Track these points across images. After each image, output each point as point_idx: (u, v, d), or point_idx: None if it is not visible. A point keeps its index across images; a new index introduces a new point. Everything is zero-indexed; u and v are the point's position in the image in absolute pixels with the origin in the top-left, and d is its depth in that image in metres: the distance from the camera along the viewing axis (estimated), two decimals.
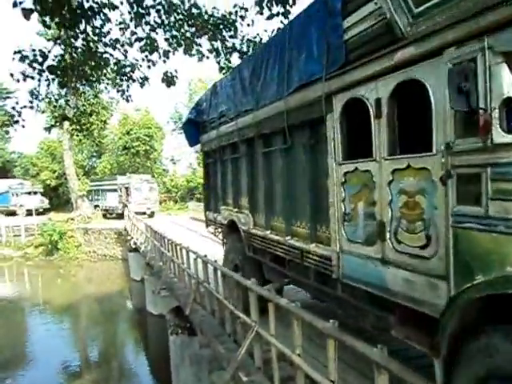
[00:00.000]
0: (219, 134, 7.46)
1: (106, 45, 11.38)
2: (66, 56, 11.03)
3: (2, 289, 24.55)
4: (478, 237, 2.61)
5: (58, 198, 44.50)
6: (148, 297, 15.56)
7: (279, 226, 5.59)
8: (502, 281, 2.42)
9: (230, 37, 12.04)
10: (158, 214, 34.21)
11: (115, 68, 12.42)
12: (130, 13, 10.71)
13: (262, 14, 10.18)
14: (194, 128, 9.06)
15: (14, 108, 10.96)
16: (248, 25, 11.64)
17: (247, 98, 6.16)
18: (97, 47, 11.17)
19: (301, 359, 3.87)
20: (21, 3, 8.03)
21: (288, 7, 9.85)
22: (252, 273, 6.30)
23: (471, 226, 2.66)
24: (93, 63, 10.95)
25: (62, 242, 29.31)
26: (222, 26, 11.80)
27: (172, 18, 11.45)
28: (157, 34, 11.52)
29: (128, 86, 13.05)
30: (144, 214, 30.79)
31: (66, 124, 30.45)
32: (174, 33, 11.70)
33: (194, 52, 12.11)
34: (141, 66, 12.25)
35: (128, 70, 12.39)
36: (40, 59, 10.19)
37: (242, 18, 11.55)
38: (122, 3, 10.50)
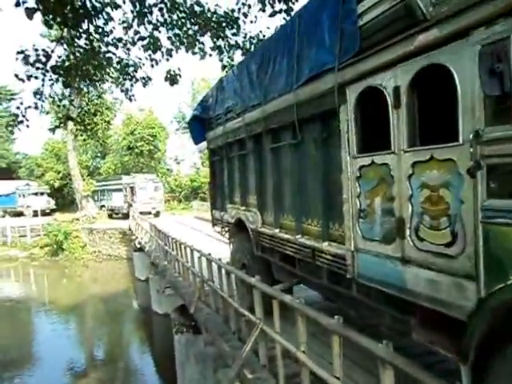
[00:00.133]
0: (226, 131, 7.26)
1: (108, 44, 11.30)
2: (70, 56, 10.93)
3: (8, 289, 24.55)
4: None
5: (63, 199, 44.58)
6: (153, 296, 15.58)
7: (289, 224, 5.39)
8: None
9: (233, 34, 11.93)
10: (163, 213, 34.16)
11: (118, 67, 12.35)
12: (132, 12, 10.61)
13: (264, 11, 10.04)
14: (199, 125, 8.87)
15: (18, 108, 10.90)
16: (251, 22, 11.55)
17: (255, 92, 5.96)
18: (100, 46, 11.08)
19: (305, 356, 3.79)
20: (24, 3, 7.95)
21: (291, 4, 9.68)
22: (260, 272, 6.08)
23: (504, 221, 2.44)
24: (96, 63, 10.86)
25: (67, 243, 29.34)
26: (224, 24, 11.69)
27: (175, 17, 11.37)
28: (160, 32, 11.51)
29: (132, 85, 13.05)
30: (149, 213, 30.75)
31: (71, 125, 30.46)
32: (177, 31, 11.65)
33: (196, 50, 12.05)
34: (143, 64, 12.23)
35: (131, 69, 12.34)
36: (43, 59, 10.11)
37: (245, 15, 11.42)
38: (124, 2, 10.43)
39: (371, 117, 3.69)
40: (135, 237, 21.08)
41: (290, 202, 5.36)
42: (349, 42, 3.72)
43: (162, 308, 14.26)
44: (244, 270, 6.71)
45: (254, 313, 5.02)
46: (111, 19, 10.49)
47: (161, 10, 10.85)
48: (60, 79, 10.80)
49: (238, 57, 12.07)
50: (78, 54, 10.72)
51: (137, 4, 10.36)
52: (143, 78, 12.26)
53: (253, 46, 11.61)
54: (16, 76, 10.26)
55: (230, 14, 11.59)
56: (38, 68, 10.05)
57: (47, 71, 10.24)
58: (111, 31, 11.16)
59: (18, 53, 10.11)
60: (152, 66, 11.78)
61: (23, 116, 10.77)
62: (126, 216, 31.12)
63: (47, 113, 32.68)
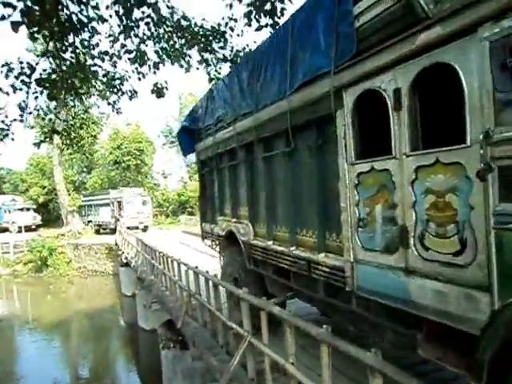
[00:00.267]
0: (216, 141, 7.08)
1: (94, 57, 11.25)
2: (55, 68, 10.78)
3: None
4: None
5: (48, 214, 43.84)
6: (139, 312, 15.35)
7: (283, 236, 5.19)
8: None
9: (220, 48, 12.04)
10: (150, 228, 33.73)
11: (104, 80, 12.26)
12: (119, 25, 10.56)
13: (250, 25, 10.07)
14: (188, 136, 8.70)
15: (3, 121, 10.70)
16: (238, 35, 11.71)
17: (246, 100, 5.81)
18: (85, 59, 10.98)
19: (294, 368, 3.71)
20: (9, 16, 7.80)
21: (276, 18, 9.71)
22: (253, 287, 5.87)
23: None
24: (82, 75, 10.71)
25: (51, 259, 28.80)
26: (211, 38, 11.80)
27: (161, 30, 11.42)
28: (146, 45, 11.56)
29: (118, 98, 13.02)
30: (137, 228, 30.30)
31: (56, 139, 30.10)
32: (164, 45, 11.72)
33: (182, 63, 12.08)
34: (130, 77, 12.25)
35: (117, 82, 12.33)
36: (28, 71, 9.97)
37: (232, 29, 11.55)
38: (111, 16, 10.39)
39: (370, 121, 3.54)
40: (121, 252, 20.86)
41: (283, 212, 5.17)
42: (345, 44, 3.59)
43: (148, 324, 14.10)
44: (236, 284, 6.46)
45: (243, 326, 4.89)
46: (97, 32, 10.42)
47: (147, 23, 10.84)
48: (44, 92, 10.63)
49: (225, 70, 12.13)
50: (63, 67, 10.57)
51: (123, 18, 10.29)
52: (129, 91, 12.28)
53: (240, 59, 11.61)
54: (0, 89, 10.09)
55: (217, 27, 11.68)
56: (22, 81, 9.90)
57: (31, 83, 10.09)
58: (97, 44, 11.14)
59: (3, 65, 9.97)
60: (139, 79, 11.84)
61: (8, 130, 10.59)
62: (113, 231, 30.60)
63: (32, 127, 32.26)
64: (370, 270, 3.48)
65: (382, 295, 3.37)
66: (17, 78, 9.94)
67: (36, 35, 9.64)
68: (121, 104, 13.14)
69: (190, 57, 12.19)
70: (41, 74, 10.44)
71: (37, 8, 8.23)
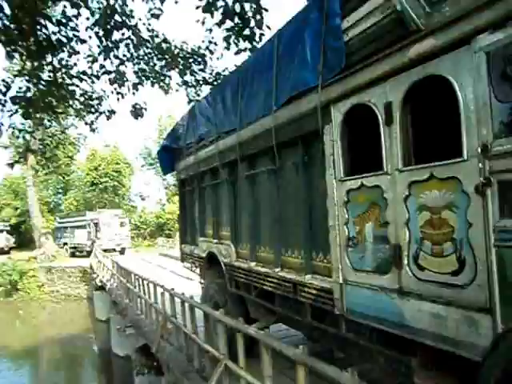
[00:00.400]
0: (197, 160, 6.91)
1: (72, 76, 11.07)
2: (31, 86, 10.54)
3: None
4: None
5: (20, 236, 42.36)
6: (113, 337, 14.76)
7: (267, 257, 4.99)
8: None
9: (200, 70, 12.12)
10: (127, 250, 32.86)
11: (82, 100, 12.05)
12: (98, 46, 10.48)
13: (229, 49, 10.18)
14: (169, 156, 8.54)
15: None
16: (217, 58, 11.96)
17: (229, 117, 5.68)
18: (63, 78, 10.77)
19: None
20: None
21: (255, 43, 9.81)
22: (234, 311, 5.61)
23: None
24: (59, 94, 10.50)
25: (22, 282, 27.61)
26: (191, 60, 11.88)
27: (141, 52, 11.45)
28: (126, 67, 11.52)
29: (96, 118, 12.79)
30: (114, 250, 29.53)
31: (31, 159, 29.40)
32: (143, 66, 11.68)
33: (162, 84, 12.05)
34: (108, 96, 12.13)
35: (95, 102, 12.13)
36: (3, 89, 9.73)
37: (211, 52, 11.70)
38: (90, 37, 10.35)
39: (359, 136, 3.44)
40: (96, 275, 20.29)
41: (267, 232, 4.99)
42: (334, 58, 3.50)
43: (123, 349, 13.52)
44: (217, 308, 6.18)
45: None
46: (76, 52, 10.32)
47: (127, 45, 10.83)
48: (19, 110, 10.35)
49: (205, 92, 12.17)
50: (40, 86, 10.34)
51: (103, 39, 10.21)
52: (107, 111, 12.18)
53: (221, 80, 11.68)
54: None
55: (197, 50, 11.80)
56: None
57: (6, 102, 9.82)
58: (75, 64, 11.06)
59: None
60: (118, 99, 11.74)
61: None
62: (90, 254, 29.66)
63: (6, 147, 31.50)
64: (361, 291, 3.31)
65: (373, 318, 3.20)
66: None
67: (13, 53, 9.46)
68: (98, 124, 12.91)
69: (170, 78, 12.27)
70: (17, 92, 10.22)
71: (13, 27, 8.11)
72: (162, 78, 12.06)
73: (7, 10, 8.00)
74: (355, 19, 3.28)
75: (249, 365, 4.28)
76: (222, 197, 6.23)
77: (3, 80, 9.90)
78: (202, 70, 12.08)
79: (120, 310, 12.75)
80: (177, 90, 12.63)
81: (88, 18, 10.10)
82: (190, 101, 12.29)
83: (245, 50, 10.03)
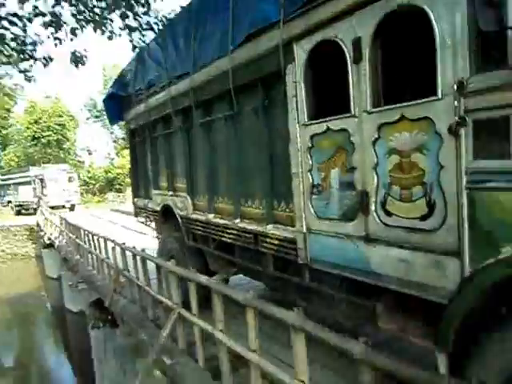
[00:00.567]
0: (148, 108, 6.43)
1: (1, 18, 9.87)
2: None
3: None
4: (505, 198, 2.05)
5: None
6: (66, 294, 14.49)
7: (225, 208, 4.80)
8: None
9: (144, 13, 11.33)
10: (76, 207, 31.69)
11: (13, 45, 10.88)
12: None
13: None
14: (116, 104, 7.91)
15: None
16: (162, 0, 10.89)
17: (181, 60, 5.23)
18: None
19: (223, 335, 3.65)
20: None
21: None
22: (193, 264, 5.46)
23: (494, 184, 2.09)
24: None
25: None
26: (133, 1, 10.99)
27: None
28: (62, 8, 10.49)
29: (31, 66, 11.75)
30: (63, 207, 28.36)
31: None
32: (81, 8, 10.57)
33: (104, 29, 11.11)
34: (42, 42, 11.02)
35: (29, 48, 11.00)
36: None
37: None
38: None
39: (324, 77, 3.22)
40: (44, 233, 19.47)
41: (226, 182, 4.77)
42: None
43: (76, 305, 13.35)
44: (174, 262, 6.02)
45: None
46: None
47: None
48: None
49: (150, 38, 11.41)
50: None
51: None
52: (44, 58, 11.19)
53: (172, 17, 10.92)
54: None
55: None
56: None
57: None
58: (3, 4, 9.93)
59: None
60: (56, 45, 10.81)
61: None
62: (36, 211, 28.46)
63: None
64: (326, 240, 3.22)
65: (338, 266, 3.14)
66: None
67: None
68: (35, 72, 11.89)
69: (111, 21, 11.35)
70: None
71: None
72: (103, 21, 11.11)
73: None
74: None
75: (205, 316, 4.21)
76: (176, 146, 5.89)
77: None
78: (146, 14, 11.31)
79: (71, 266, 12.38)
80: (120, 35, 11.80)
81: None
82: (134, 47, 11.55)
83: None
